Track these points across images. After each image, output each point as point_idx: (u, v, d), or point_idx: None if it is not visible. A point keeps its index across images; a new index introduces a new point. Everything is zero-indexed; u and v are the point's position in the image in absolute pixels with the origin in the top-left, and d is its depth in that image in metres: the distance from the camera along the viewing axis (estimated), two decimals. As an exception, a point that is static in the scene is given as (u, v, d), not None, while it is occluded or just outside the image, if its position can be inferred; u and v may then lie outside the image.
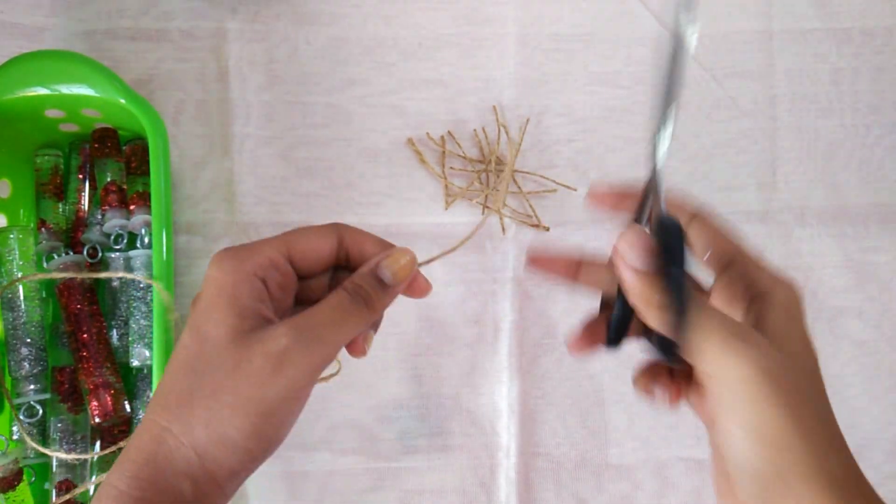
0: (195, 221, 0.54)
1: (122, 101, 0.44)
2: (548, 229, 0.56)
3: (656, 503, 0.55)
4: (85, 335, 0.48)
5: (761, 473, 0.26)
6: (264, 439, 0.29)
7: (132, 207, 0.50)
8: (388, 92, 0.56)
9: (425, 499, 0.54)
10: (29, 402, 0.48)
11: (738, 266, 0.31)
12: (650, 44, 0.58)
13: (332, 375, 0.45)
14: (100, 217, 0.51)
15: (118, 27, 0.54)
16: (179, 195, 0.54)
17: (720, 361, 0.27)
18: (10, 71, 0.44)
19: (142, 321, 0.48)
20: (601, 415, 0.55)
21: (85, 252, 0.51)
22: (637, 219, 0.32)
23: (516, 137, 0.56)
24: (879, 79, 0.59)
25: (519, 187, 0.56)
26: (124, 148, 0.51)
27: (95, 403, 0.47)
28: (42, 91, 0.44)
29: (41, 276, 0.47)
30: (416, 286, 0.34)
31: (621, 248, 0.28)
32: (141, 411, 0.49)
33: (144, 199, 0.50)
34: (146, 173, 0.50)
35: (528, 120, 0.56)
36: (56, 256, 0.49)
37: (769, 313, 0.29)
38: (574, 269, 0.34)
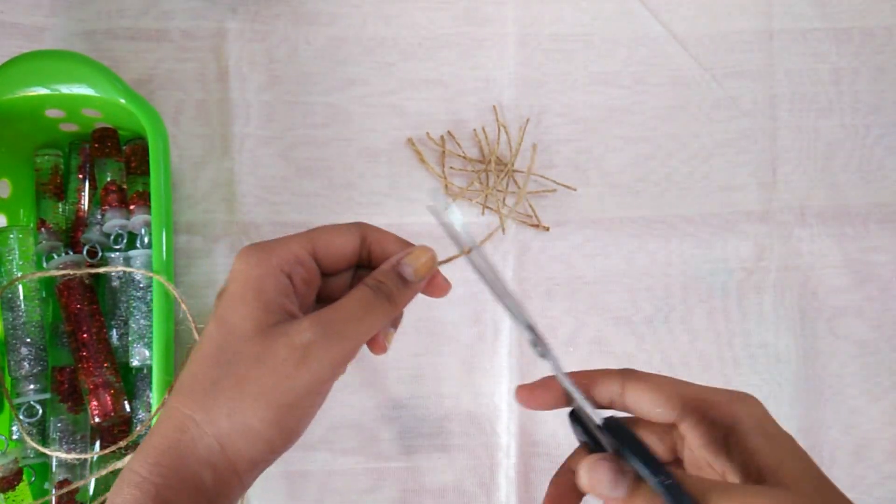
0: (195, 221, 0.54)
1: (122, 100, 0.44)
2: (548, 229, 0.56)
3: None
4: (85, 335, 0.48)
5: None
6: (286, 431, 0.29)
7: (132, 207, 0.50)
8: (387, 92, 0.56)
9: (425, 499, 0.54)
10: (29, 402, 0.48)
11: (691, 406, 0.30)
12: (650, 44, 0.58)
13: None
14: (100, 217, 0.51)
15: (118, 27, 0.54)
16: (179, 195, 0.54)
17: None
18: (10, 71, 0.44)
19: (142, 321, 0.48)
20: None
21: (85, 252, 0.51)
22: (572, 412, 0.31)
23: (516, 137, 0.56)
24: (879, 79, 0.59)
25: (519, 187, 0.56)
26: (124, 148, 0.51)
27: (95, 403, 0.47)
28: (42, 91, 0.44)
29: (40, 273, 0.47)
30: (436, 284, 0.35)
31: (591, 484, 0.28)
32: (141, 411, 0.49)
33: (144, 199, 0.50)
34: (146, 173, 0.50)
35: (528, 120, 0.56)
36: (56, 256, 0.49)
37: (749, 442, 0.28)
38: (564, 397, 0.33)
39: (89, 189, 0.53)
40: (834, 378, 0.57)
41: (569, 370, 0.54)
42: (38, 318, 0.49)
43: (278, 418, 0.29)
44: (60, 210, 0.52)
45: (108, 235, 0.51)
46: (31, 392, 0.48)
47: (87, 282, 0.49)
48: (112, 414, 0.47)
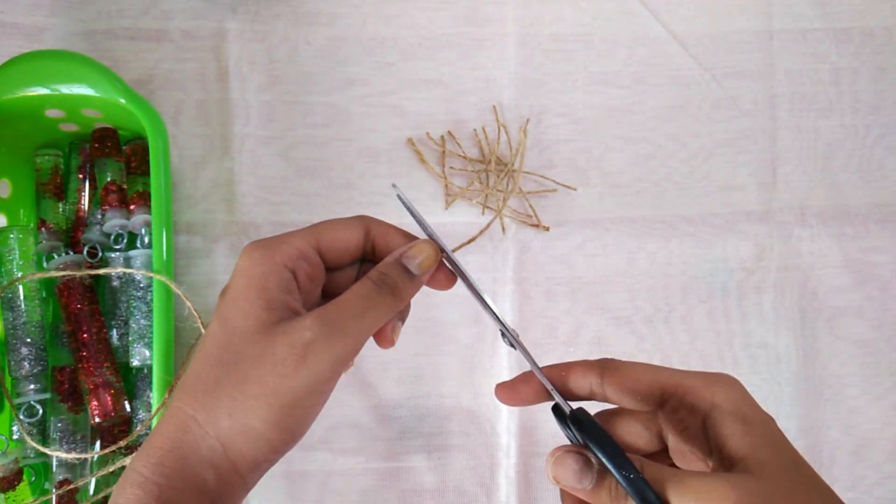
0: (195, 221, 0.54)
1: (122, 100, 0.44)
2: (548, 229, 0.56)
3: (656, 503, 0.55)
4: (85, 335, 0.48)
5: None
6: (287, 431, 0.29)
7: (132, 207, 0.50)
8: (387, 92, 0.56)
9: (425, 499, 0.54)
10: (29, 402, 0.48)
11: (669, 392, 0.30)
12: (650, 44, 0.58)
13: (349, 366, 0.45)
14: (100, 217, 0.51)
15: (118, 27, 0.54)
16: (179, 195, 0.54)
17: None
18: (10, 71, 0.44)
19: (142, 321, 0.48)
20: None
21: (85, 252, 0.51)
22: (555, 406, 0.32)
23: (516, 137, 0.56)
24: (879, 79, 0.59)
25: (519, 187, 0.56)
26: (124, 148, 0.51)
27: (95, 403, 0.47)
28: (42, 91, 0.44)
29: (41, 274, 0.47)
30: (440, 278, 0.34)
31: (557, 476, 0.29)
32: (141, 411, 0.49)
33: (144, 199, 0.50)
34: (146, 173, 0.50)
35: (528, 120, 0.56)
36: (56, 256, 0.49)
37: (723, 433, 0.28)
38: (545, 391, 0.33)
39: (89, 189, 0.53)
40: (834, 378, 0.57)
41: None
42: (39, 318, 0.49)
43: (279, 418, 0.28)
44: (60, 210, 0.52)
45: (108, 235, 0.51)
46: (31, 392, 0.48)
47: (87, 282, 0.49)
48: (112, 414, 0.47)
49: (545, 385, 0.32)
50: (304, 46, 0.56)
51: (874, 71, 0.59)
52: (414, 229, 0.35)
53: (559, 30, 0.57)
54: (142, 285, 0.49)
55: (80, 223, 0.52)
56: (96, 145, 0.50)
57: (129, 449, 0.49)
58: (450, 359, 0.55)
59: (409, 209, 0.33)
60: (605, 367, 0.32)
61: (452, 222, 0.55)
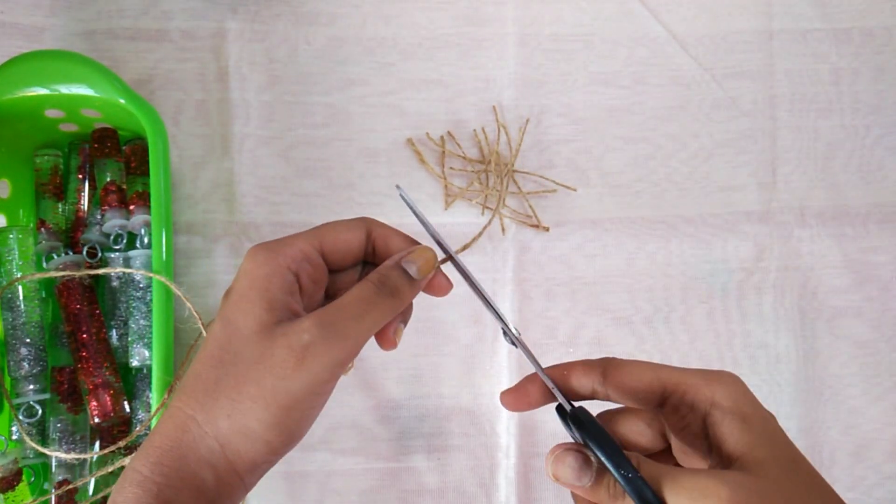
0: (195, 221, 0.54)
1: (122, 101, 0.44)
2: (547, 229, 0.56)
3: (656, 503, 0.55)
4: (84, 335, 0.48)
5: None
6: (285, 432, 0.29)
7: (132, 207, 0.50)
8: (387, 92, 0.56)
9: (425, 499, 0.54)
10: (28, 402, 0.48)
11: (670, 390, 0.30)
12: (650, 44, 0.58)
13: (349, 367, 0.45)
14: (99, 217, 0.51)
15: (118, 27, 0.54)
16: (179, 195, 0.54)
17: None
18: (10, 71, 0.44)
19: (141, 321, 0.48)
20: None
21: (84, 252, 0.50)
22: (559, 406, 0.32)
23: (516, 137, 0.56)
24: (879, 79, 0.59)
25: (519, 187, 0.56)
26: (124, 148, 0.51)
27: (95, 403, 0.47)
28: (42, 91, 0.44)
29: (40, 275, 0.47)
30: (437, 284, 0.34)
31: (558, 475, 0.29)
32: (141, 411, 0.49)
33: (144, 199, 0.50)
34: (146, 173, 0.50)
35: (528, 120, 0.56)
36: (56, 256, 0.49)
37: (722, 431, 0.28)
38: (548, 394, 0.33)
39: (89, 189, 0.53)
40: (834, 378, 0.57)
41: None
42: (38, 318, 0.49)
43: (277, 420, 0.28)
44: (60, 210, 0.52)
45: (107, 235, 0.51)
46: (30, 392, 0.48)
47: (86, 282, 0.49)
48: (112, 414, 0.47)
49: (547, 384, 0.32)
50: (304, 46, 0.56)
51: (874, 71, 0.59)
52: (416, 230, 0.35)
53: (559, 30, 0.57)
54: (141, 285, 0.49)
55: (80, 223, 0.52)
56: (96, 145, 0.50)
57: (129, 449, 0.49)
58: (450, 359, 0.55)
59: (412, 210, 0.33)
60: (607, 366, 0.32)
61: (452, 223, 0.55)
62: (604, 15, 0.58)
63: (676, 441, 0.31)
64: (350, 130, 0.56)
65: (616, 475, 0.27)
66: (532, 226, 0.56)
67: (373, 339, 0.33)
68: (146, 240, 0.49)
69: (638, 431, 0.33)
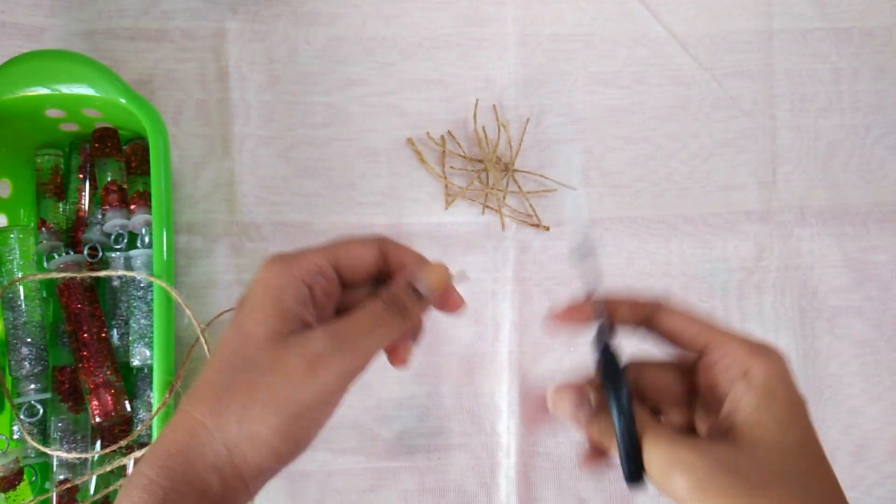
0: (195, 221, 0.54)
1: (123, 100, 0.44)
2: (548, 229, 0.56)
3: (656, 503, 0.55)
4: (85, 335, 0.48)
5: None
6: (292, 440, 0.30)
7: (132, 207, 0.50)
8: (387, 92, 0.56)
9: (425, 499, 0.54)
10: (29, 402, 0.48)
11: (712, 350, 0.31)
12: (650, 44, 0.58)
13: None
14: (100, 217, 0.51)
15: (118, 27, 0.54)
16: (179, 195, 0.54)
17: (668, 484, 0.28)
18: (10, 71, 0.44)
19: (142, 321, 0.48)
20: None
21: (85, 252, 0.51)
22: (600, 332, 0.33)
23: (516, 137, 0.56)
24: (879, 79, 0.59)
25: (519, 187, 0.56)
26: (124, 148, 0.51)
27: (96, 403, 0.47)
28: (42, 91, 0.44)
29: (41, 276, 0.47)
30: (450, 301, 0.35)
31: (558, 407, 0.32)
32: (142, 411, 0.49)
33: (145, 199, 0.50)
34: (146, 173, 0.50)
35: (528, 120, 0.56)
36: (56, 256, 0.49)
37: (741, 401, 0.29)
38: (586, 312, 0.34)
39: (89, 189, 0.53)
40: (834, 378, 0.57)
41: (570, 365, 0.55)
42: (39, 317, 0.49)
43: (285, 427, 0.29)
44: (61, 210, 0.52)
45: (108, 235, 0.51)
46: (31, 392, 0.48)
47: (87, 282, 0.49)
48: (113, 414, 0.47)
49: (593, 312, 0.33)
50: (304, 46, 0.56)
51: (874, 71, 0.59)
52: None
53: (559, 30, 0.57)
54: (142, 285, 0.49)
55: (81, 223, 0.52)
56: (96, 145, 0.50)
57: (129, 449, 0.49)
58: (450, 359, 0.55)
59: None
60: (657, 311, 0.32)
61: (452, 222, 0.55)
62: (604, 15, 0.58)
63: (701, 399, 0.32)
64: (350, 130, 0.56)
65: (615, 417, 0.29)
66: (532, 225, 0.56)
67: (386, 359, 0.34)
68: (147, 239, 0.49)
69: (664, 384, 0.33)
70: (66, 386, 0.49)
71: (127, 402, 0.48)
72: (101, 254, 0.51)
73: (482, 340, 0.55)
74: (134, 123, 0.46)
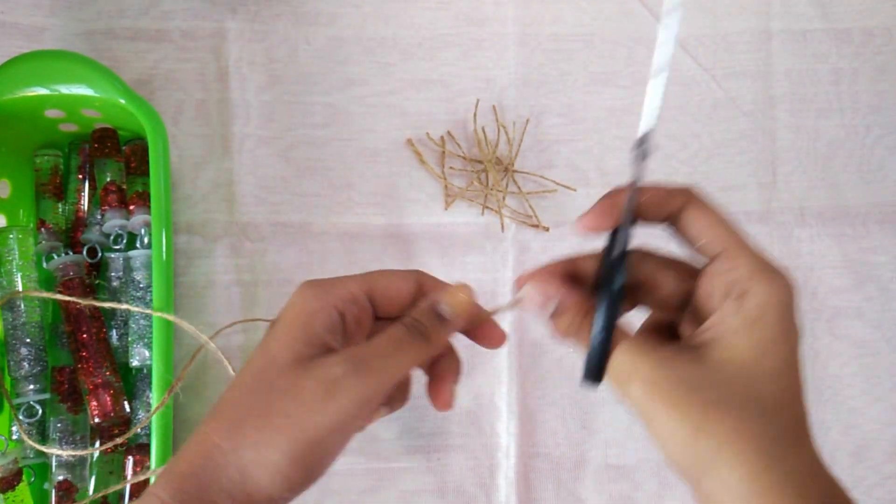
0: (195, 221, 0.54)
1: (122, 101, 0.44)
2: (547, 229, 0.56)
3: (656, 503, 0.55)
4: (84, 335, 0.48)
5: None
6: (306, 468, 0.29)
7: (132, 207, 0.50)
8: (387, 92, 0.56)
9: (425, 499, 0.54)
10: (28, 402, 0.48)
11: (721, 261, 0.30)
12: (650, 44, 0.58)
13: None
14: (99, 217, 0.51)
15: (118, 27, 0.54)
16: (179, 195, 0.54)
17: (624, 391, 0.29)
18: (10, 71, 0.44)
19: (141, 321, 0.48)
20: (601, 415, 0.55)
21: (84, 252, 0.51)
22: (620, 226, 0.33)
23: (516, 137, 0.56)
24: (879, 79, 0.59)
25: (519, 187, 0.56)
26: (124, 148, 0.51)
27: (95, 403, 0.47)
28: (42, 91, 0.44)
29: (46, 294, 0.47)
30: (491, 335, 0.36)
31: (526, 296, 0.32)
32: (141, 411, 0.49)
33: (144, 199, 0.50)
34: (146, 173, 0.50)
35: (528, 120, 0.56)
36: (56, 256, 0.49)
37: (724, 322, 0.28)
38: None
39: (89, 189, 0.53)
40: (834, 378, 0.56)
41: (575, 363, 0.54)
42: (38, 318, 0.49)
43: (300, 454, 0.28)
44: (60, 210, 0.52)
45: (107, 235, 0.51)
46: (30, 392, 0.48)
47: (87, 282, 0.49)
48: (112, 414, 0.47)
49: (626, 205, 0.33)
50: (304, 46, 0.56)
51: (874, 71, 0.59)
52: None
53: (559, 30, 0.57)
54: (142, 286, 0.49)
55: (80, 223, 0.52)
56: (96, 145, 0.50)
57: (128, 449, 0.49)
58: (450, 359, 0.55)
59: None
60: (687, 203, 0.32)
61: (452, 223, 0.55)
62: (604, 15, 0.58)
63: (692, 306, 0.31)
64: (350, 130, 0.56)
65: (599, 318, 0.29)
66: (532, 226, 0.56)
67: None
68: (146, 240, 0.49)
69: (668, 281, 0.33)
70: (66, 386, 0.49)
71: (126, 402, 0.48)
72: (100, 254, 0.51)
73: (482, 341, 0.55)
74: (133, 124, 0.46)
